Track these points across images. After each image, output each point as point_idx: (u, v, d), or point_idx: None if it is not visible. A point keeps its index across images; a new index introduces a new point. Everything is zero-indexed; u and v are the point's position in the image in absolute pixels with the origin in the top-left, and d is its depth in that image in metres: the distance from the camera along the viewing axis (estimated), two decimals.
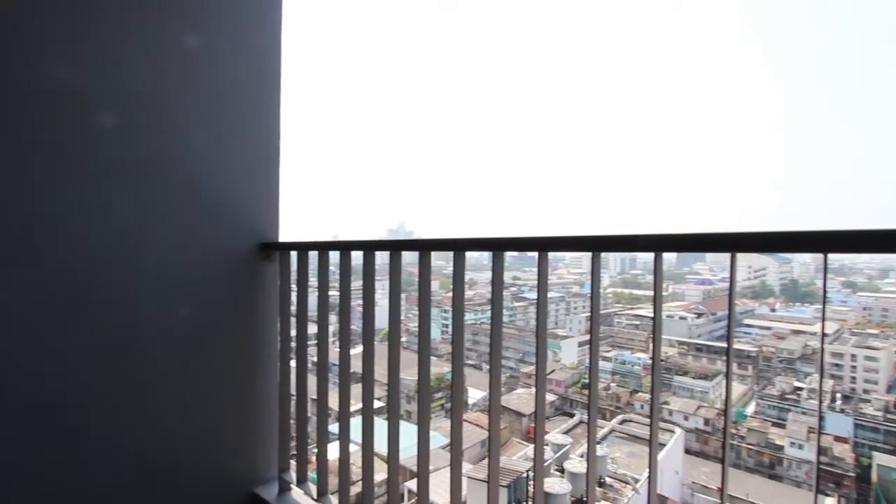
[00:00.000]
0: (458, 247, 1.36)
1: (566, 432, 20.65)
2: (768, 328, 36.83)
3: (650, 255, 0.99)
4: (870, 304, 39.64)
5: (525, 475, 12.82)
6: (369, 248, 1.62)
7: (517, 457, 16.08)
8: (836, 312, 40.07)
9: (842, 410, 25.56)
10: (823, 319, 36.40)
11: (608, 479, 13.96)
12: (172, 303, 1.77)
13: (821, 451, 22.80)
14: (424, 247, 1.44)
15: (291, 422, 2.05)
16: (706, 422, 26.47)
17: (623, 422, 21.04)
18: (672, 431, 19.17)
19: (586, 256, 1.10)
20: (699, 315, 40.55)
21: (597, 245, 1.06)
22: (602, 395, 29.70)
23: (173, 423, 1.79)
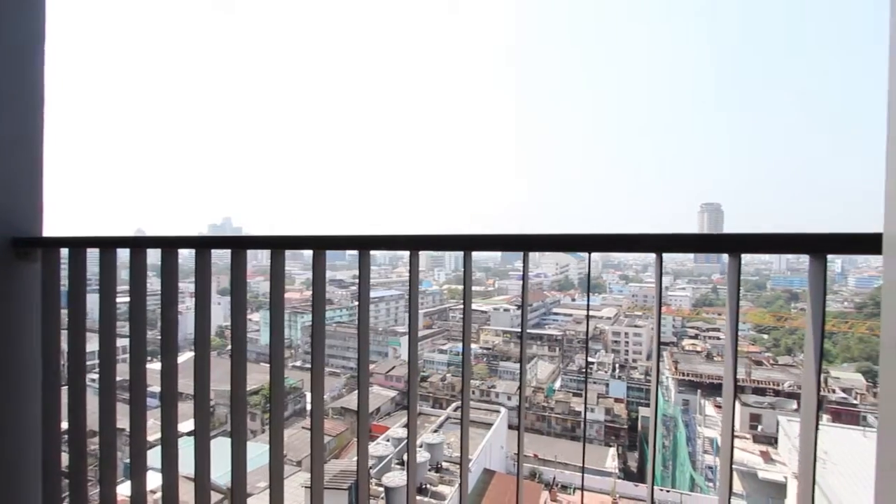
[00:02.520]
0: (276, 244, 1.19)
1: (406, 426, 21.16)
2: (570, 315, 44.04)
3: (484, 254, 1.02)
4: (637, 291, 50.87)
5: (368, 474, 12.71)
6: (169, 244, 1.32)
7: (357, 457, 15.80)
8: (615, 299, 50.22)
9: (619, 377, 32.11)
10: (660, 314, 44.35)
11: (444, 464, 14.80)
12: None
13: (606, 411, 28.18)
14: (241, 244, 1.23)
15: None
16: (525, 399, 30.24)
17: (457, 409, 22.62)
18: (498, 411, 21.32)
19: (426, 255, 1.08)
20: (519, 307, 46.14)
21: (414, 244, 1.05)
22: (439, 385, 31.48)
23: None
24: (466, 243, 0.96)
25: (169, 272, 1.33)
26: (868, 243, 0.75)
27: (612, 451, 24.55)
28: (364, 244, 1.10)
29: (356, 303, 1.28)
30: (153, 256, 1.45)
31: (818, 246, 0.78)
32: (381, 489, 11.29)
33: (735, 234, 0.84)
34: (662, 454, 25.24)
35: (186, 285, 1.63)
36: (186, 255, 1.41)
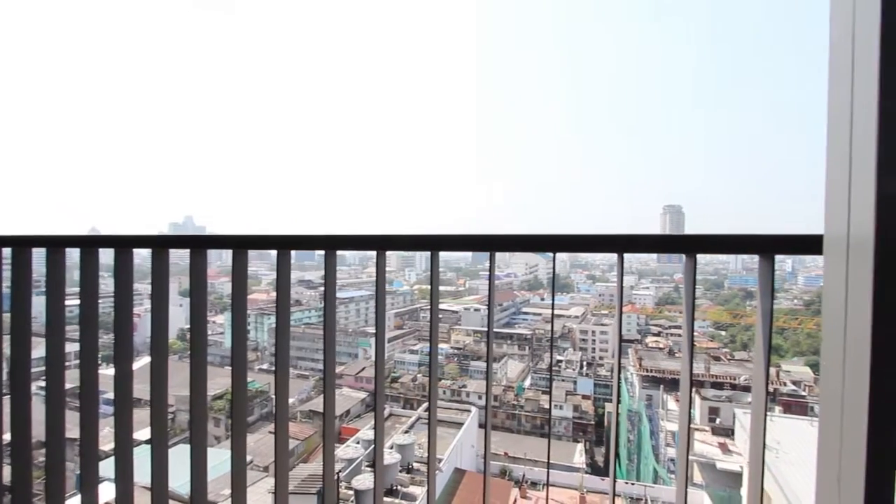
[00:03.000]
0: (238, 244, 1.16)
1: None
2: (539, 314, 44.72)
3: (455, 254, 1.03)
4: (603, 290, 52.16)
5: (336, 477, 12.54)
6: (124, 243, 1.26)
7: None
8: (583, 299, 51.36)
9: (587, 375, 32.86)
10: (620, 314, 45.25)
11: (415, 465, 14.74)
12: None
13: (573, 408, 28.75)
14: (201, 244, 1.19)
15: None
16: (495, 398, 30.56)
17: (428, 409, 22.54)
18: (469, 411, 21.42)
19: (396, 255, 1.07)
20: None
21: (381, 245, 1.05)
22: (410, 385, 31.34)
23: None
24: (433, 243, 0.96)
25: (123, 273, 1.27)
26: (811, 244, 0.80)
27: (580, 446, 25.09)
28: (330, 244, 1.08)
29: (321, 304, 1.25)
30: (108, 257, 1.37)
31: (766, 247, 0.82)
32: (352, 492, 11.15)
33: (690, 236, 0.88)
34: (627, 448, 26.00)
35: (148, 287, 1.56)
36: (146, 256, 1.35)
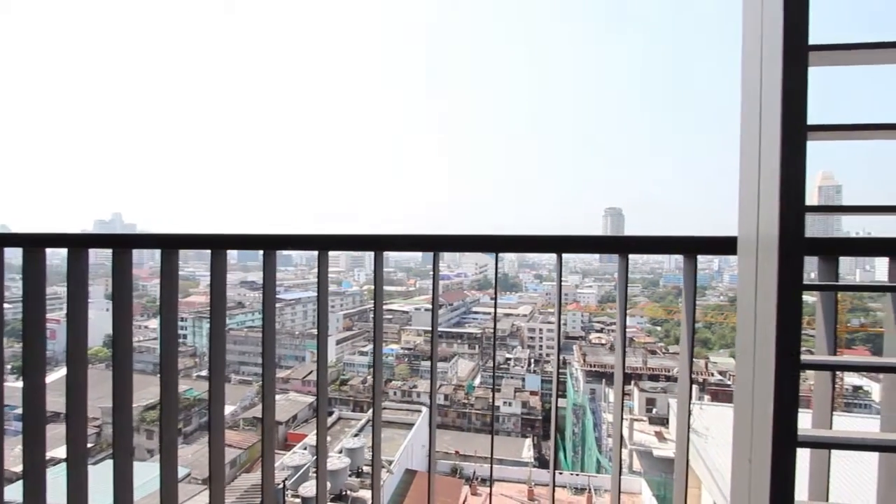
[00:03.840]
0: (167, 243, 1.09)
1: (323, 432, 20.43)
2: (489, 313, 45.52)
3: (406, 254, 1.02)
4: (550, 290, 53.95)
5: (281, 485, 12.10)
6: (34, 242, 1.14)
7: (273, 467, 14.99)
8: (530, 297, 52.82)
9: (534, 371, 33.83)
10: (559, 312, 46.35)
11: (366, 468, 14.51)
12: None
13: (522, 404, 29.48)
14: (125, 243, 1.10)
15: None
16: (446, 397, 30.74)
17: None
18: (419, 411, 21.39)
19: (345, 255, 1.06)
20: (440, 306, 46.76)
21: (323, 244, 1.03)
22: (360, 388, 30.82)
23: None
24: (376, 243, 0.95)
25: (34, 275, 1.15)
26: (727, 245, 0.87)
27: (528, 441, 25.78)
28: (269, 244, 1.04)
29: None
30: (15, 256, 1.24)
31: (689, 248, 0.89)
32: (299, 500, 10.81)
33: (620, 237, 0.94)
34: (573, 441, 27.03)
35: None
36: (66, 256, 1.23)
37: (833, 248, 0.91)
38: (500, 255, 0.97)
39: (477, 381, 33.16)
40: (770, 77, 0.68)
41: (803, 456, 0.82)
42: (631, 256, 0.98)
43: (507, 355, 35.80)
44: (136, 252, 1.14)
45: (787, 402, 0.69)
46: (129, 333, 1.10)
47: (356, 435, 17.36)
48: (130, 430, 1.08)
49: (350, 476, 13.41)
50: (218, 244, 1.06)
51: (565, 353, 35.61)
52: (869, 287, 0.91)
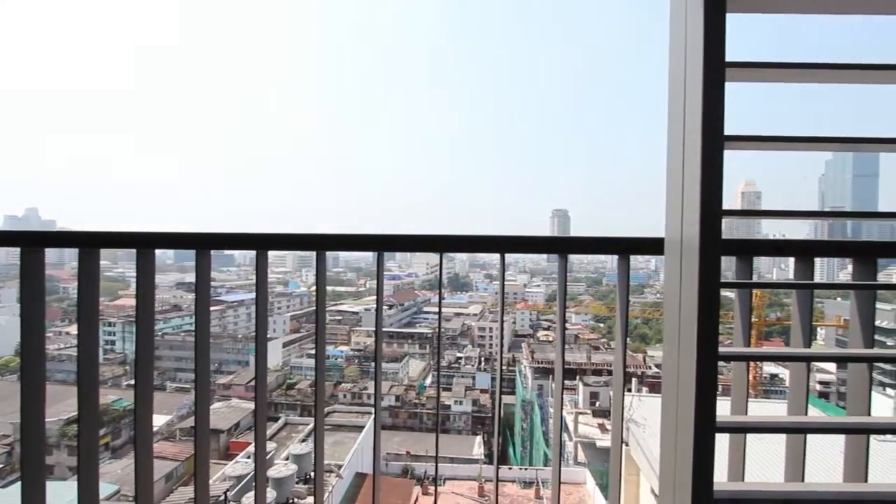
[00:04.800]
0: (85, 241, 1.01)
1: (270, 438, 19.77)
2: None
3: (355, 254, 1.01)
4: (499, 289, 54.99)
5: (223, 497, 11.52)
6: None
7: (214, 479, 14.28)
8: (481, 297, 53.61)
9: (484, 369, 34.36)
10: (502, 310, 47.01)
11: (311, 474, 14.11)
12: None
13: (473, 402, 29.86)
14: (33, 241, 1.00)
15: None
16: (397, 398, 30.55)
17: (327, 414, 21.81)
18: (370, 413, 21.11)
19: (292, 255, 1.02)
20: (391, 307, 46.40)
21: (262, 244, 0.99)
22: (308, 392, 29.94)
23: None
24: (318, 243, 0.93)
25: None
26: (656, 246, 0.93)
27: (479, 438, 26.15)
28: (202, 242, 0.99)
29: (211, 307, 1.15)
30: None
31: (622, 248, 0.95)
32: None
33: (559, 238, 0.98)
34: (521, 436, 27.73)
35: None
36: None
37: (747, 249, 1.00)
38: (453, 255, 0.98)
39: (428, 381, 33.19)
40: (692, 90, 0.74)
41: (724, 440, 0.90)
42: (576, 256, 1.03)
43: (458, 354, 36.11)
44: (57, 252, 1.05)
45: (706, 390, 0.75)
46: (40, 340, 1.00)
47: (304, 440, 16.85)
48: (42, 447, 0.99)
49: (297, 483, 12.99)
50: (143, 243, 1.00)
51: (514, 351, 36.44)
52: (777, 284, 1.00)
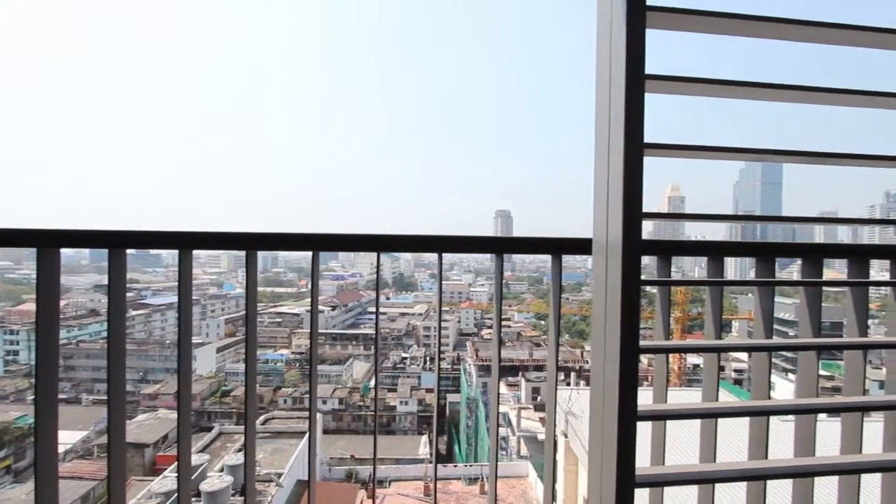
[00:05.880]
0: None
1: (203, 449, 18.67)
2: (384, 313, 45.27)
3: (297, 254, 0.97)
4: (445, 288, 55.44)
5: None
6: None
7: (139, 496, 13.23)
8: (426, 296, 53.73)
9: (429, 369, 34.47)
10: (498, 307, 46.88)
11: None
12: None
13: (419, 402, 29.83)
14: None
15: None
16: (340, 401, 29.88)
17: (266, 421, 20.89)
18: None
19: (226, 255, 0.97)
20: (334, 308, 45.31)
21: (185, 243, 0.94)
22: (243, 398, 28.47)
23: None
24: (247, 242, 0.88)
25: None
26: (585, 246, 0.99)
27: (425, 438, 26.20)
28: (114, 241, 0.91)
29: (135, 312, 1.05)
30: None
31: (554, 248, 0.99)
32: None
33: (495, 238, 1.01)
34: (466, 433, 28.10)
35: None
36: None
37: (666, 249, 1.08)
38: (398, 255, 0.98)
39: (373, 383, 32.76)
40: (616, 100, 0.78)
41: (649, 428, 0.97)
42: (519, 257, 1.06)
43: (404, 354, 35.94)
44: None
45: (628, 382, 0.80)
46: None
47: (240, 450, 16.03)
48: None
49: (234, 495, 12.34)
50: (47, 241, 0.90)
51: (459, 350, 36.85)
52: (690, 282, 1.09)
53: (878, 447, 1.16)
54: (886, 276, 1.19)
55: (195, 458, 14.07)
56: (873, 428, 1.23)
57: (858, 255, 1.16)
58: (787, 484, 1.14)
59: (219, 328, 39.51)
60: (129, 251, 1.01)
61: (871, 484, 1.13)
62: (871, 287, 1.14)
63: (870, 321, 1.23)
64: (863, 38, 0.91)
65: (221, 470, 12.82)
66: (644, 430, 0.99)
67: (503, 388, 26.93)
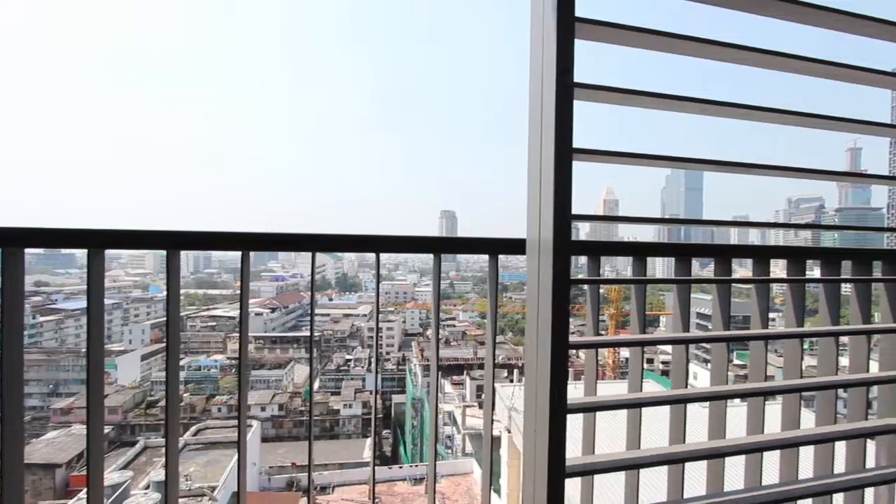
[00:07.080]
0: None
1: (126, 465, 17.24)
2: (327, 315, 44.13)
3: (232, 254, 0.93)
4: (389, 289, 54.94)
5: None
6: None
7: None
8: (370, 298, 52.95)
9: (374, 371, 34.05)
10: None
11: (182, 500, 12.62)
12: None
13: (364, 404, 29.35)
14: None
15: None
16: (281, 407, 28.75)
17: (198, 432, 19.65)
18: (250, 426, 19.55)
19: (152, 254, 0.90)
20: (274, 310, 43.50)
21: (96, 241, 0.86)
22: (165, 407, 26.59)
23: None
24: (169, 240, 0.82)
25: None
26: (520, 247, 1.02)
27: (369, 441, 25.82)
28: (9, 240, 0.82)
29: (42, 318, 0.95)
30: None
31: (491, 249, 1.02)
32: None
33: (432, 238, 1.02)
34: (412, 434, 28.03)
35: None
36: None
37: (595, 250, 1.15)
38: (342, 255, 0.96)
39: (316, 386, 31.82)
40: (547, 108, 0.82)
41: (580, 420, 1.02)
42: (463, 257, 1.08)
43: (347, 356, 35.23)
44: None
45: (559, 377, 0.84)
46: None
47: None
48: None
49: None
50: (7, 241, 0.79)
51: (405, 350, 36.68)
52: (617, 280, 1.16)
53: (778, 426, 1.30)
54: (784, 274, 1.33)
55: (117, 476, 12.95)
56: (774, 410, 1.37)
57: (761, 256, 1.29)
58: (703, 464, 1.25)
59: (143, 334, 36.61)
60: (35, 251, 0.91)
61: (772, 460, 1.26)
62: (774, 284, 1.26)
63: (773, 314, 1.37)
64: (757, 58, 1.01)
65: (147, 487, 11.92)
66: (576, 422, 1.05)
67: (448, 388, 27.14)
